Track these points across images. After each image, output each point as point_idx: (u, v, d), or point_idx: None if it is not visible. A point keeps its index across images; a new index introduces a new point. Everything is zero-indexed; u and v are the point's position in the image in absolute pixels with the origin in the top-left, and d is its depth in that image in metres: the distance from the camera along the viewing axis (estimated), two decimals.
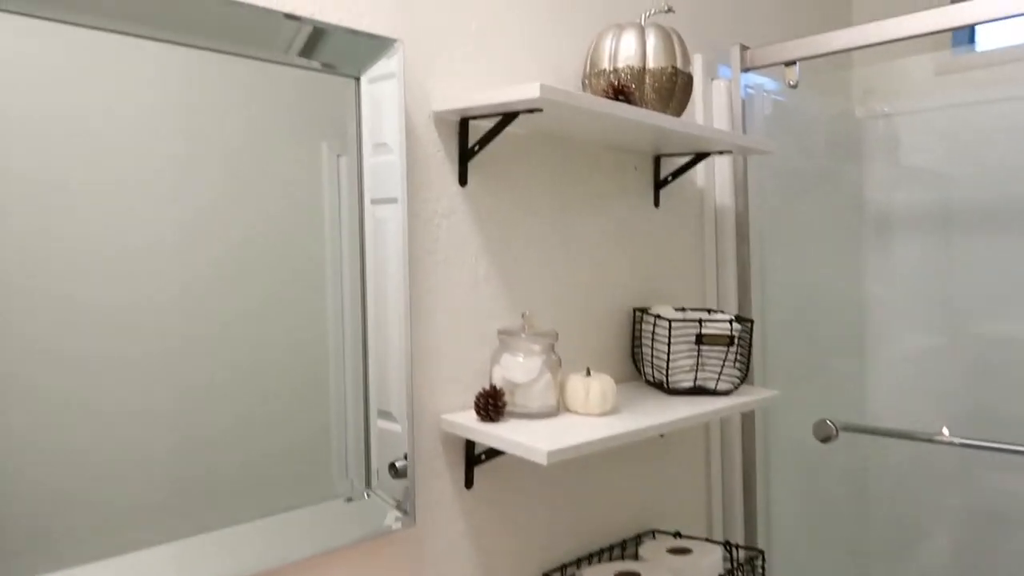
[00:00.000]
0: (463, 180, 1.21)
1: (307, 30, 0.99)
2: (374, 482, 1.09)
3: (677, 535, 1.50)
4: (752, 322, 1.41)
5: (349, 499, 1.06)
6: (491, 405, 1.13)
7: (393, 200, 1.06)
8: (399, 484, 1.08)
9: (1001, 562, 1.82)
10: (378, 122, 1.06)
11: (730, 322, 1.38)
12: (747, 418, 1.73)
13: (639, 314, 1.48)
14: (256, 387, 0.97)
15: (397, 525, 1.07)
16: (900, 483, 1.93)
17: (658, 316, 1.40)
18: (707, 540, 1.46)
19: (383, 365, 1.08)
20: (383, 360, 1.08)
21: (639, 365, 1.48)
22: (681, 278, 1.65)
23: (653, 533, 1.53)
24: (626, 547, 1.47)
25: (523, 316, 1.20)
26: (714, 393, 1.39)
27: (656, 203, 1.58)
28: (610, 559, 1.44)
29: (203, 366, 0.92)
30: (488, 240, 1.25)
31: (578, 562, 1.38)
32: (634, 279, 1.53)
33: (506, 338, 1.19)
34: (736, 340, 1.38)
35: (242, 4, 0.93)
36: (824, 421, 1.68)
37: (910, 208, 1.99)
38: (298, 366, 1.01)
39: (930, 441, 1.64)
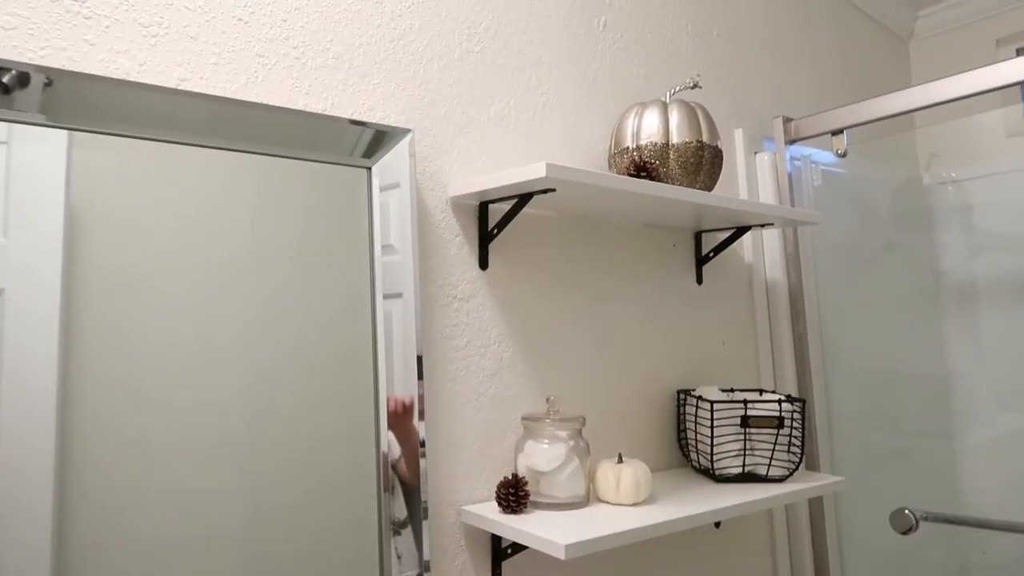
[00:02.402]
0: (483, 263, 1.20)
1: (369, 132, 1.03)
2: None
3: None
4: (804, 401, 1.31)
5: None
6: (511, 495, 1.08)
7: (399, 295, 1.06)
8: None
9: None
10: (387, 220, 1.08)
11: (779, 402, 1.29)
12: (816, 508, 1.60)
13: (683, 396, 1.41)
14: (306, 474, 0.96)
15: None
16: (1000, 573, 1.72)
17: (700, 398, 1.32)
18: None
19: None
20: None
21: (686, 451, 1.40)
22: (732, 358, 1.57)
23: None
24: None
25: (547, 401, 1.16)
26: (766, 480, 1.29)
27: (699, 279, 1.52)
28: None
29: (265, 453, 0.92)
30: (512, 324, 1.23)
31: None
32: (678, 360, 1.46)
33: (530, 424, 1.14)
34: (785, 422, 1.28)
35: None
36: (903, 511, 1.53)
37: (991, 277, 1.85)
38: (339, 463, 1.00)
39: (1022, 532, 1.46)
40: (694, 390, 1.39)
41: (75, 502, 0.83)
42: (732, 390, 1.44)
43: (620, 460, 1.16)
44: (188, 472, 0.90)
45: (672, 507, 1.12)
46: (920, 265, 1.95)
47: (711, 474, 1.30)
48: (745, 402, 1.29)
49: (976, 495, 1.75)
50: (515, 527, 1.02)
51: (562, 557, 0.94)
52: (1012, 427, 1.75)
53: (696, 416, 1.33)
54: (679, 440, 1.42)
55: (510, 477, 1.10)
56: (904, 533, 1.53)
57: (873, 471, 1.70)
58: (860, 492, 1.64)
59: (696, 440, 1.34)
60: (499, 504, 1.09)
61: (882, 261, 1.90)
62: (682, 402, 1.41)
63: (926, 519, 1.53)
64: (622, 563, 1.31)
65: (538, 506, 1.11)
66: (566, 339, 1.29)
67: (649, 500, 1.16)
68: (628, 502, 1.13)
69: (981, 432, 1.81)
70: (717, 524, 1.47)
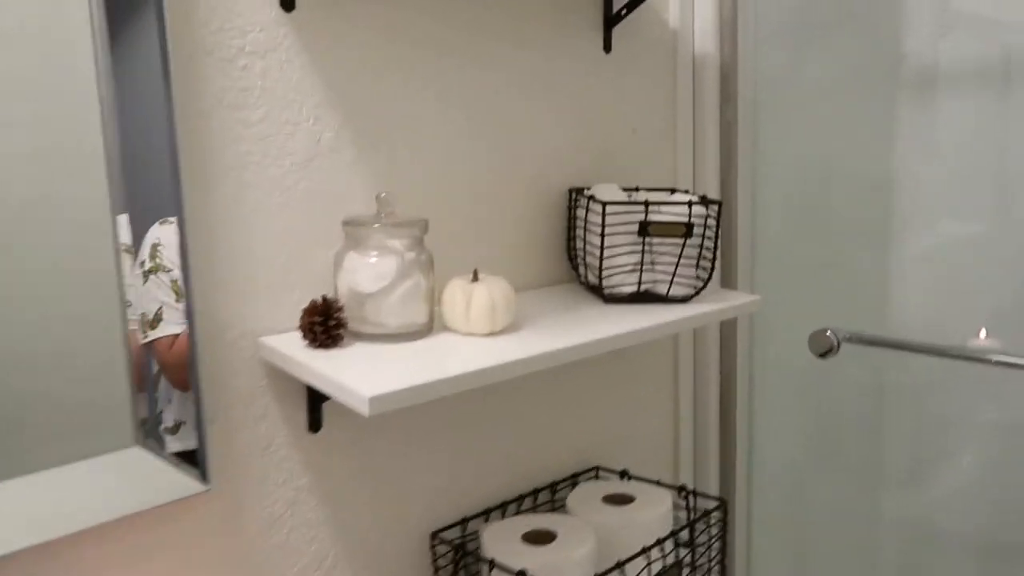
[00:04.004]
0: (288, 2, 0.84)
1: None
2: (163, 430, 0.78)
3: (624, 475, 1.19)
4: (720, 204, 1.04)
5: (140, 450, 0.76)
6: (319, 324, 0.80)
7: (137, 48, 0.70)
8: (184, 433, 0.77)
9: None
10: None
11: (688, 204, 1.02)
12: (727, 330, 1.39)
13: (575, 196, 1.12)
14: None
15: (184, 490, 0.77)
16: (921, 398, 1.58)
17: (592, 198, 1.04)
18: (658, 483, 1.15)
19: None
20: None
21: (575, 265, 1.13)
22: (644, 150, 1.27)
23: (596, 472, 1.23)
24: (557, 491, 1.17)
25: (378, 200, 0.85)
26: (666, 300, 1.05)
27: (607, 46, 1.18)
28: (533, 507, 1.14)
29: None
30: (337, 92, 0.89)
31: (486, 513, 1.08)
32: (575, 150, 1.16)
33: (353, 230, 0.84)
34: (695, 230, 1.02)
35: None
36: (824, 332, 1.33)
37: (958, 64, 1.55)
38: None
39: (957, 357, 1.28)
40: (588, 189, 1.11)
41: None
42: (636, 189, 1.16)
43: (475, 278, 0.89)
44: None
45: (536, 339, 0.86)
46: (881, 45, 1.62)
47: (600, 293, 1.05)
48: (647, 204, 1.01)
49: (906, 313, 1.57)
50: (317, 368, 0.76)
51: (365, 412, 0.69)
52: (953, 236, 1.53)
53: (586, 222, 1.05)
54: (568, 251, 1.15)
55: (319, 301, 0.81)
56: (822, 356, 1.34)
57: (798, 287, 1.49)
58: (782, 310, 1.43)
59: (585, 252, 1.07)
60: (305, 336, 0.81)
61: (837, 38, 1.57)
62: (573, 203, 1.13)
63: (849, 340, 1.34)
64: (489, 395, 1.09)
65: (360, 337, 0.84)
66: (418, 117, 0.97)
67: (511, 328, 0.90)
68: (481, 331, 0.87)
69: (917, 241, 1.59)
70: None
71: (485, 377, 0.77)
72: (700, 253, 1.04)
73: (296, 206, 0.87)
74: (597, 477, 1.22)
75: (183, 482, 0.76)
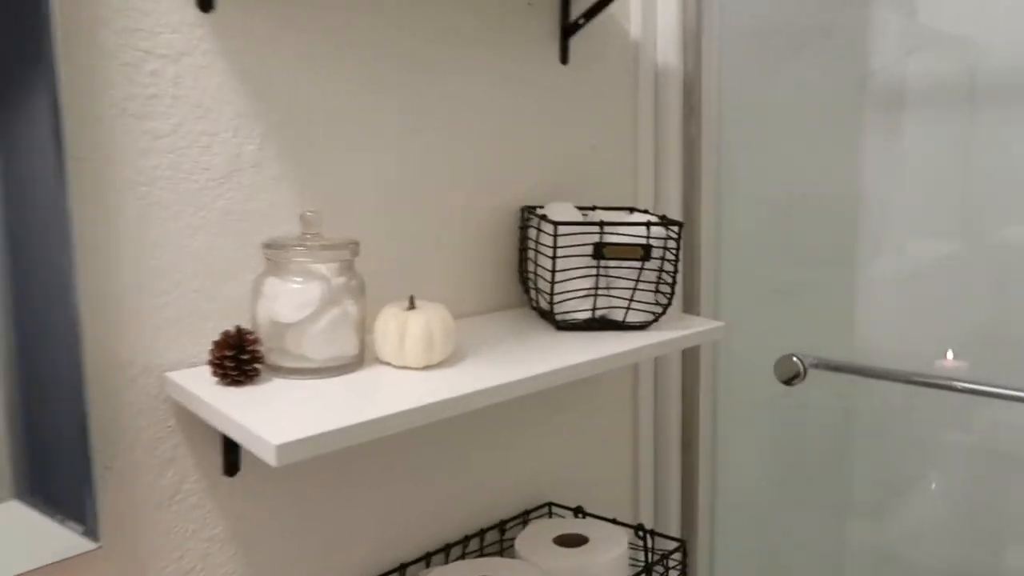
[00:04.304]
0: (206, 2, 0.76)
1: None
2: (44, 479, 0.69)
3: (579, 512, 1.12)
4: (681, 225, 0.98)
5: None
6: (229, 360, 0.72)
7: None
8: (75, 481, 0.68)
9: (1015, 510, 1.45)
10: None
11: (647, 225, 0.95)
12: (690, 357, 1.33)
13: (527, 215, 1.05)
14: None
15: (68, 549, 0.68)
16: (889, 425, 1.53)
17: (544, 218, 0.97)
18: (615, 522, 1.07)
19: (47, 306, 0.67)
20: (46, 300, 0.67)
21: (527, 288, 1.06)
22: (604, 168, 1.20)
23: (550, 509, 1.15)
24: (506, 530, 1.10)
25: (302, 219, 0.77)
26: (623, 327, 0.98)
27: (564, 57, 1.12)
28: (480, 549, 1.06)
29: None
30: (261, 100, 0.81)
31: (427, 558, 1.00)
32: (529, 167, 1.09)
33: (273, 254, 0.76)
34: (654, 252, 0.95)
35: None
36: (790, 357, 1.27)
37: (926, 82, 1.51)
38: None
39: (923, 384, 1.23)
40: (541, 207, 1.04)
41: None
42: (593, 208, 1.09)
43: (411, 305, 0.81)
44: None
45: (477, 372, 0.79)
46: (848, 61, 1.58)
47: (553, 319, 0.98)
48: (601, 224, 0.94)
49: (874, 336, 1.52)
50: (223, 408, 0.67)
51: (272, 463, 0.60)
52: (920, 257, 1.49)
53: (538, 243, 0.98)
54: (520, 274, 1.08)
55: (232, 332, 0.73)
56: (788, 382, 1.28)
57: (764, 311, 1.43)
58: (746, 335, 1.37)
59: (536, 275, 1.00)
60: (215, 373, 0.73)
61: (805, 51, 1.52)
62: (525, 223, 1.06)
63: (816, 367, 1.29)
64: (434, 428, 1.01)
65: (281, 372, 0.76)
66: (352, 127, 0.89)
67: (451, 360, 0.83)
68: (417, 365, 0.79)
69: (886, 263, 1.55)
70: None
71: (416, 418, 0.69)
72: (660, 277, 0.98)
73: (213, 226, 0.78)
74: (550, 515, 1.15)
75: (68, 540, 0.67)
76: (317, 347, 0.76)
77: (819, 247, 1.47)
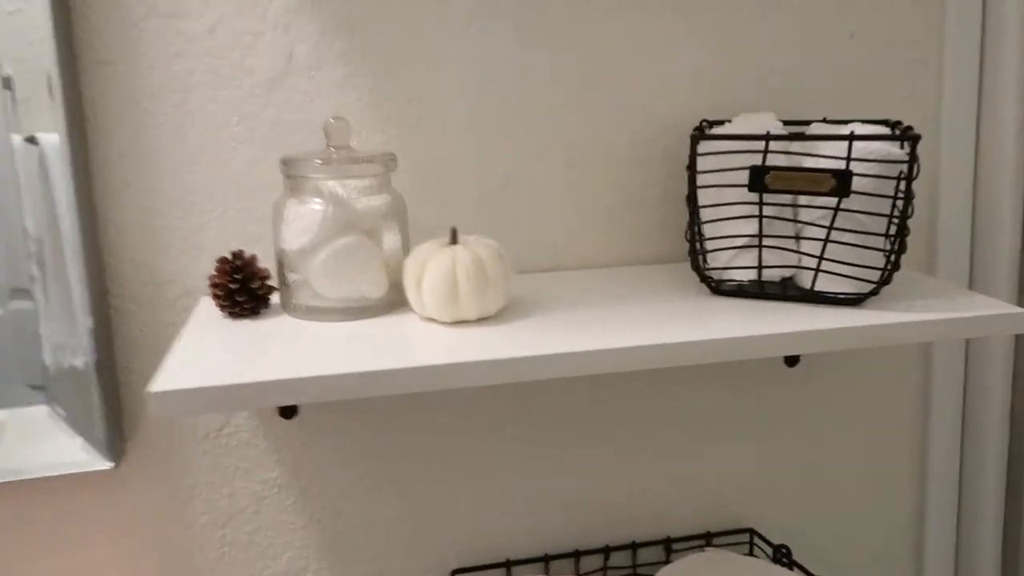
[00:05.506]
0: None
1: None
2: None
3: (781, 555, 0.80)
4: (917, 139, 0.59)
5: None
6: (220, 288, 0.62)
7: None
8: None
9: None
10: None
11: (848, 139, 0.59)
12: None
13: (697, 134, 0.75)
14: None
15: (78, 465, 0.67)
16: None
17: (702, 131, 0.67)
18: None
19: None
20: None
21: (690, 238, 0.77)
22: (871, 69, 0.81)
23: (751, 538, 0.85)
24: (672, 551, 0.83)
25: (326, 128, 0.64)
26: (817, 299, 0.64)
27: None
28: (603, 569, 0.82)
29: None
30: None
31: (545, 560, 0.80)
32: (731, 65, 0.78)
33: (286, 170, 0.64)
34: (857, 183, 0.59)
35: None
36: None
37: None
38: None
39: None
40: (728, 122, 0.73)
41: None
42: (824, 120, 0.73)
43: (454, 240, 0.62)
44: None
45: (518, 338, 0.57)
46: None
47: (710, 281, 0.69)
48: (767, 138, 0.62)
49: None
50: (181, 342, 0.59)
51: (152, 410, 0.50)
52: None
53: (695, 171, 0.69)
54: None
55: (229, 257, 0.64)
56: None
57: None
58: None
59: (696, 219, 0.70)
60: (220, 307, 0.64)
61: None
62: (694, 144, 0.75)
63: None
64: (600, 384, 0.80)
65: (296, 310, 0.64)
66: (447, 22, 0.71)
67: (507, 315, 0.62)
68: (440, 318, 0.60)
69: None
70: (794, 360, 0.84)
71: (335, 388, 0.51)
72: (890, 223, 0.61)
73: (260, 139, 0.70)
74: (752, 547, 0.85)
75: (86, 455, 0.66)
76: (321, 282, 0.62)
77: None
